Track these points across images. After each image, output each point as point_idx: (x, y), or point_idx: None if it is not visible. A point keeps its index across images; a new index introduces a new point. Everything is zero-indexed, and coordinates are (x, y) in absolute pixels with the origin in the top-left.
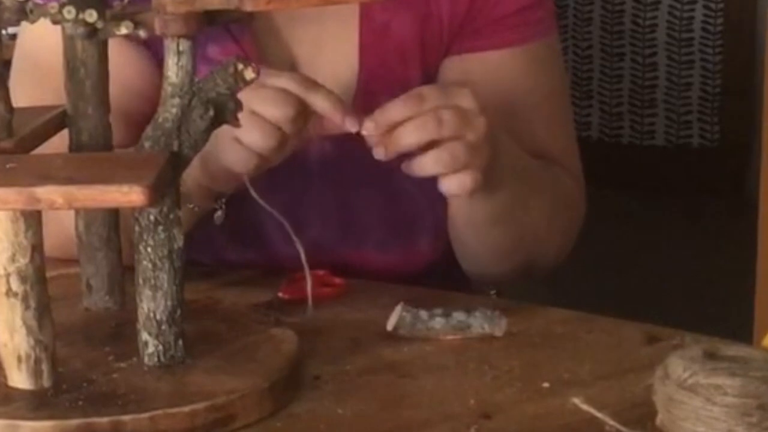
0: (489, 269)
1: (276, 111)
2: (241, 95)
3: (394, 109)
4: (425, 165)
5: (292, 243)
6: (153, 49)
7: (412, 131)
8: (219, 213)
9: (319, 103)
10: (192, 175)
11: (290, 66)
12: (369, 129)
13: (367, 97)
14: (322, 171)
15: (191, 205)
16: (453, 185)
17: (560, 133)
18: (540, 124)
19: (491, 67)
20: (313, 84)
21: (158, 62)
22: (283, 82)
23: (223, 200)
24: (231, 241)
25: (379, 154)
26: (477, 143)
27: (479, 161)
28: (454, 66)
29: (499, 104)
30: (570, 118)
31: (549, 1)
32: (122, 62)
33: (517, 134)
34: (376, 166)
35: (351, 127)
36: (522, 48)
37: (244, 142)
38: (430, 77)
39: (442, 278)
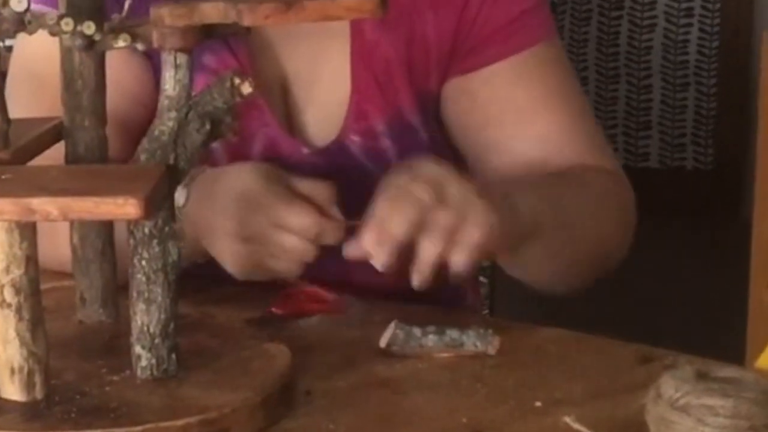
0: (558, 288)
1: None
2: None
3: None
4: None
5: None
6: (153, 61)
7: (428, 247)
8: None
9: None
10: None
11: (282, 81)
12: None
13: (359, 114)
14: None
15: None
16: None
17: (584, 127)
18: (561, 120)
19: (495, 81)
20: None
21: (157, 74)
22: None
23: None
24: None
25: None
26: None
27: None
28: (457, 88)
29: (515, 111)
30: (589, 113)
31: (545, 7)
32: (122, 68)
33: (540, 137)
34: (365, 183)
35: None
36: (526, 53)
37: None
38: (420, 98)
39: (435, 296)
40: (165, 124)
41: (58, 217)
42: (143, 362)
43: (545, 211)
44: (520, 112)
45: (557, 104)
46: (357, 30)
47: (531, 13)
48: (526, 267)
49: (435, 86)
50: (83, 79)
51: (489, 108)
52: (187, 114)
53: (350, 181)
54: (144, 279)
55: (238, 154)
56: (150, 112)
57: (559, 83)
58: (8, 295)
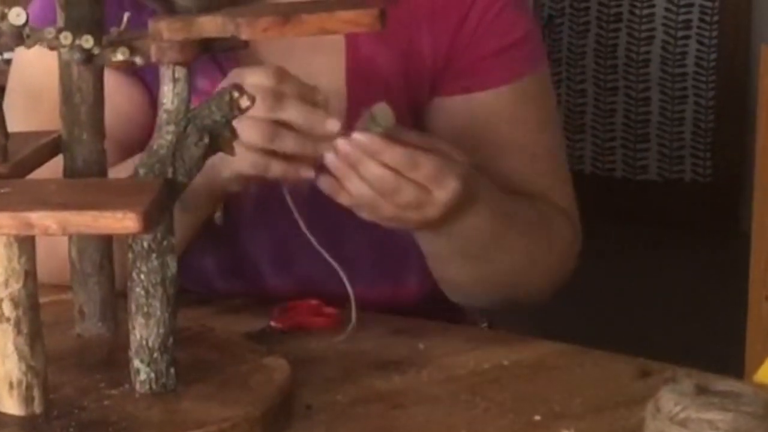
0: (466, 299)
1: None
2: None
3: (390, 154)
4: (354, 190)
5: (281, 276)
6: (146, 80)
7: (377, 176)
8: (218, 214)
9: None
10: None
11: None
12: (355, 138)
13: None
14: (311, 209)
15: (195, 212)
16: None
17: (549, 168)
18: (528, 161)
19: (478, 108)
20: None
21: (150, 92)
22: (254, 79)
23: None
24: (220, 273)
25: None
26: (409, 218)
27: (395, 224)
28: (441, 108)
29: (486, 144)
30: (561, 152)
31: (535, 37)
32: (114, 90)
33: (505, 172)
34: None
35: (332, 127)
36: (508, 87)
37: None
38: (416, 113)
39: (435, 310)
40: (164, 137)
41: (57, 231)
42: (142, 376)
43: (492, 214)
44: (495, 145)
45: (533, 142)
46: (352, 45)
47: (521, 44)
48: (440, 259)
49: (427, 100)
50: (82, 93)
51: (467, 134)
52: (185, 128)
53: None
54: (143, 293)
55: None
56: (143, 131)
57: (538, 120)
58: (7, 309)
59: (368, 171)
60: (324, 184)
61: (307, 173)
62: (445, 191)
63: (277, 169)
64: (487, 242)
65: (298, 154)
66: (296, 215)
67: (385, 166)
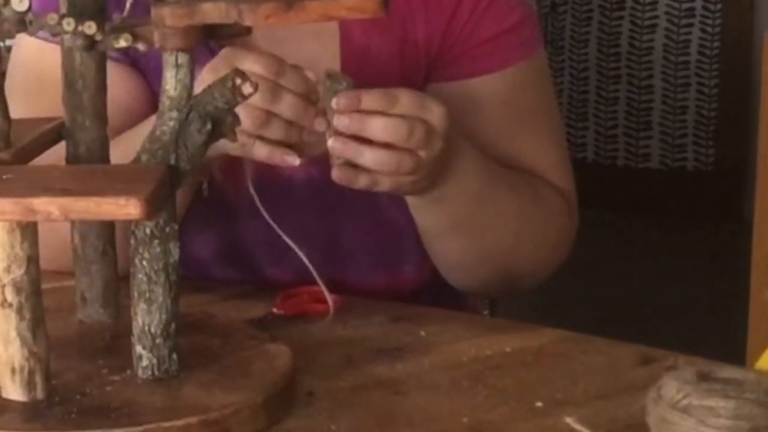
0: (462, 277)
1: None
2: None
3: (369, 99)
4: (370, 160)
5: (279, 265)
6: (144, 69)
7: (382, 128)
8: (205, 185)
9: (287, 107)
10: None
11: None
12: (337, 105)
13: None
14: (308, 197)
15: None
16: (372, 184)
17: (546, 151)
18: (525, 144)
19: (473, 94)
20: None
21: (149, 83)
22: (250, 65)
23: (209, 173)
24: (218, 262)
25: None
26: (424, 162)
27: (415, 177)
28: (437, 94)
29: (483, 130)
30: (559, 135)
31: (530, 23)
32: (114, 81)
33: (503, 156)
34: (362, 193)
35: (319, 126)
36: (504, 72)
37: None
38: None
39: (436, 298)
40: (166, 124)
41: (60, 217)
42: (144, 362)
43: (492, 174)
44: (492, 131)
45: (530, 126)
46: (346, 34)
47: (515, 31)
48: (426, 233)
49: (422, 87)
50: (84, 80)
51: (463, 120)
52: (188, 114)
53: (347, 188)
54: (145, 279)
55: (229, 163)
56: (140, 119)
57: (535, 105)
58: (9, 294)
59: (376, 128)
60: (339, 175)
61: (292, 160)
62: (435, 114)
63: (262, 152)
64: (476, 206)
65: (284, 141)
66: (258, 204)
67: (382, 113)
